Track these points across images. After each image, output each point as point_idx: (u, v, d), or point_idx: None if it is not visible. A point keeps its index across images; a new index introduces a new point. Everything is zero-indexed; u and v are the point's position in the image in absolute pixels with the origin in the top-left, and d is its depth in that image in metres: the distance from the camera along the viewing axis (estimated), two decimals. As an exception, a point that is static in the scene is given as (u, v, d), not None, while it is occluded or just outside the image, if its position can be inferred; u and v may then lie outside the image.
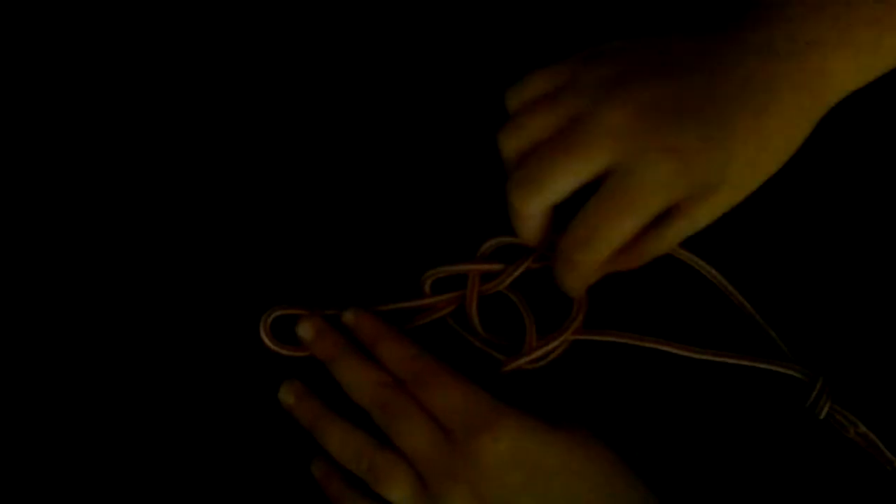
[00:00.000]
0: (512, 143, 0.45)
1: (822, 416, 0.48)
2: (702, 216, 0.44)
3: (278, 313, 0.50)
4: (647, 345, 0.50)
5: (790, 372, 0.49)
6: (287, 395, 0.49)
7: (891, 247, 0.51)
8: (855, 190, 0.51)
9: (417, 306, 0.51)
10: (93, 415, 0.50)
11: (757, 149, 0.43)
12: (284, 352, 0.49)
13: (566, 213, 0.45)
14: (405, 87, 0.54)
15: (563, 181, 0.43)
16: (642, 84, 0.43)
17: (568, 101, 0.44)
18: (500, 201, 0.51)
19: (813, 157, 0.46)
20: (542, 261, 0.50)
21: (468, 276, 0.50)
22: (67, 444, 0.49)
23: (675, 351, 0.50)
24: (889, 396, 0.49)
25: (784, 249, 0.50)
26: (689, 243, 0.48)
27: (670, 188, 0.42)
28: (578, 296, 0.49)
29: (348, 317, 0.49)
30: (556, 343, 0.49)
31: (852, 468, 0.48)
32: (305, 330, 0.49)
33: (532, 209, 0.45)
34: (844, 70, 0.44)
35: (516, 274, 0.50)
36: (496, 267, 0.50)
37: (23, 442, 0.49)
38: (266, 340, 0.49)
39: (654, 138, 0.42)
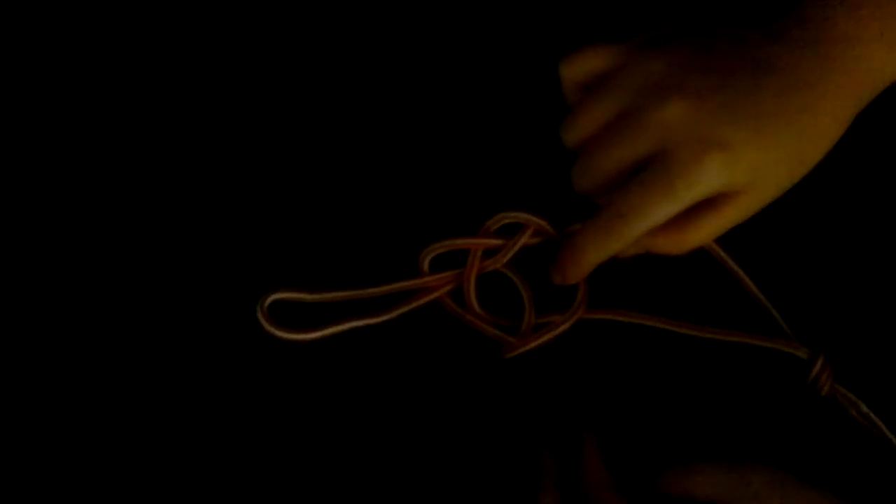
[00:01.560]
0: (570, 137, 0.48)
1: (823, 393, 0.48)
2: (743, 209, 0.45)
3: (276, 297, 0.49)
4: (648, 323, 0.49)
5: (791, 350, 0.49)
6: None
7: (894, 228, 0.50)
8: (860, 170, 0.50)
9: (413, 287, 0.50)
10: (91, 404, 0.50)
11: (799, 145, 0.45)
12: (282, 335, 0.49)
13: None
14: (404, 68, 0.53)
15: (613, 167, 0.46)
16: (691, 80, 0.44)
17: (620, 97, 0.46)
18: (501, 180, 0.52)
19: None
20: (539, 236, 0.50)
21: (469, 253, 0.50)
22: (63, 435, 0.49)
23: (675, 329, 0.49)
24: (892, 377, 0.48)
25: (788, 229, 0.50)
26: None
27: (713, 178, 0.44)
28: (570, 283, 0.49)
29: None
30: (562, 327, 0.49)
31: (854, 447, 0.48)
32: None
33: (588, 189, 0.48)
34: (881, 65, 0.45)
35: (515, 249, 0.50)
36: (498, 242, 0.50)
37: (20, 434, 0.50)
38: (264, 323, 0.49)
39: (703, 130, 0.44)
